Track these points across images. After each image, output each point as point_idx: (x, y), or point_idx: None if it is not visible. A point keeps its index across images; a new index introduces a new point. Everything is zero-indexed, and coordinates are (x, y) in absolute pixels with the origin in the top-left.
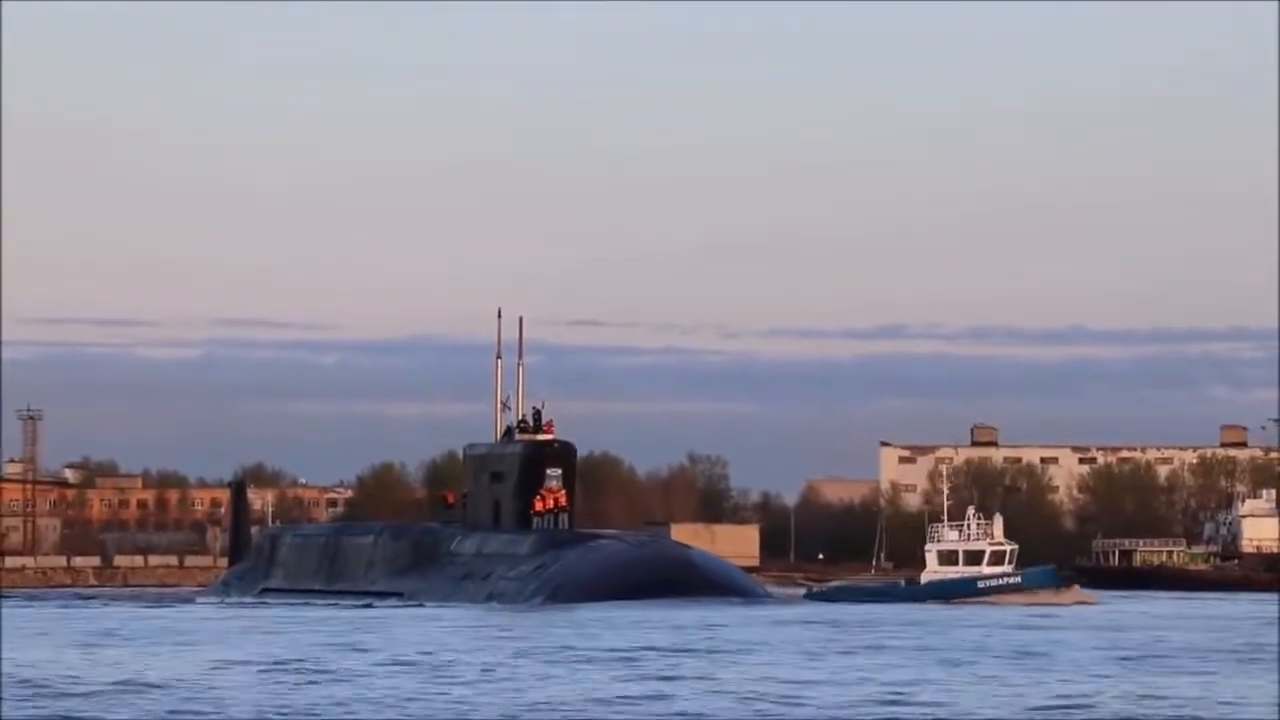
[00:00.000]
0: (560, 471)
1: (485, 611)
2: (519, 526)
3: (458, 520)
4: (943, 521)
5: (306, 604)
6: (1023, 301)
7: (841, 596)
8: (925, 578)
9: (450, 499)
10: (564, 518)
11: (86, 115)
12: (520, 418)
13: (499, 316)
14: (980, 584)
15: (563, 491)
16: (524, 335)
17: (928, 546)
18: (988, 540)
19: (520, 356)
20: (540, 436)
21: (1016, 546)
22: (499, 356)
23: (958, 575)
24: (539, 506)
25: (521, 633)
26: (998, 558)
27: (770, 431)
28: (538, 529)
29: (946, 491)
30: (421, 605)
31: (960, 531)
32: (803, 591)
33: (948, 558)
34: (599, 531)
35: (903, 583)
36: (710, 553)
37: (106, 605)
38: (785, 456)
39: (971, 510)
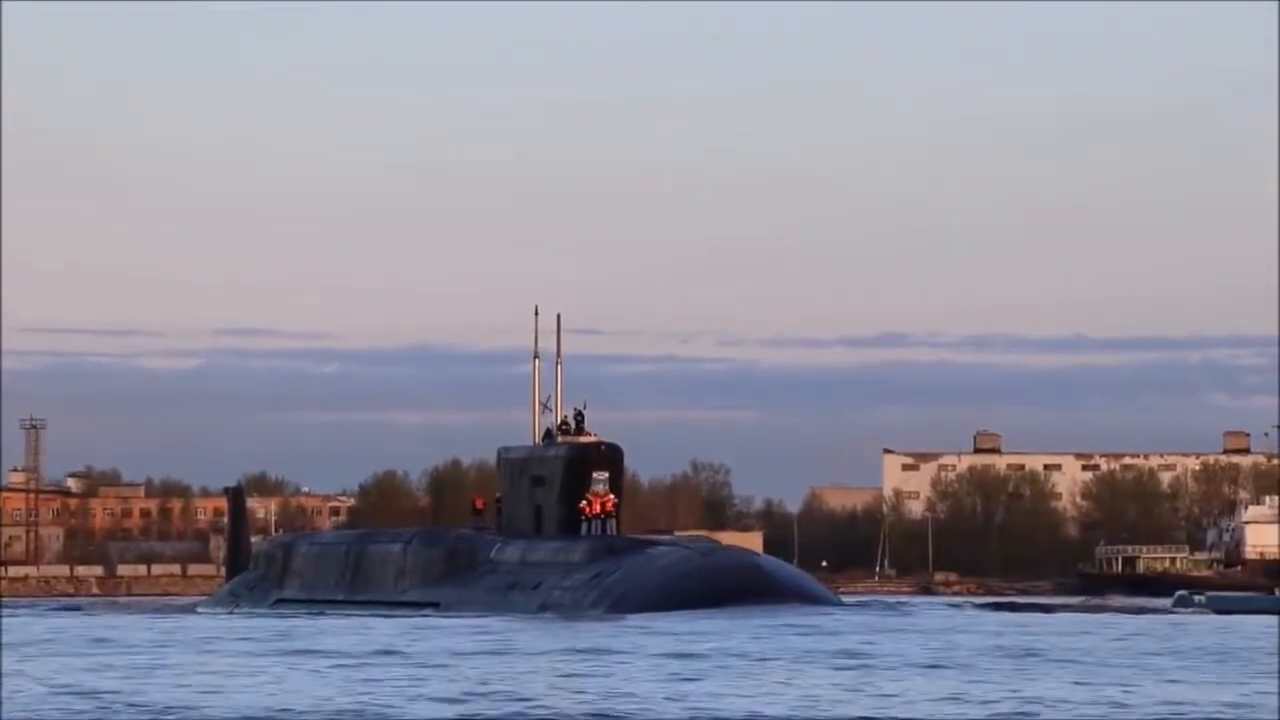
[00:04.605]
0: (607, 475)
1: (571, 622)
2: (564, 533)
3: (488, 527)
4: None
5: (371, 616)
6: (1022, 310)
7: (1214, 607)
8: None
9: (480, 504)
10: (611, 524)
11: (87, 125)
12: (561, 419)
13: (536, 314)
14: None
15: (610, 496)
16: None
17: None
18: None
19: (558, 357)
20: (584, 439)
21: None
22: (536, 356)
23: None
24: (590, 511)
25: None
26: None
27: (773, 439)
28: (588, 535)
29: None
30: (497, 616)
31: None
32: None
33: None
34: (655, 538)
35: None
36: (775, 558)
37: (230, 616)
38: (788, 464)
39: None
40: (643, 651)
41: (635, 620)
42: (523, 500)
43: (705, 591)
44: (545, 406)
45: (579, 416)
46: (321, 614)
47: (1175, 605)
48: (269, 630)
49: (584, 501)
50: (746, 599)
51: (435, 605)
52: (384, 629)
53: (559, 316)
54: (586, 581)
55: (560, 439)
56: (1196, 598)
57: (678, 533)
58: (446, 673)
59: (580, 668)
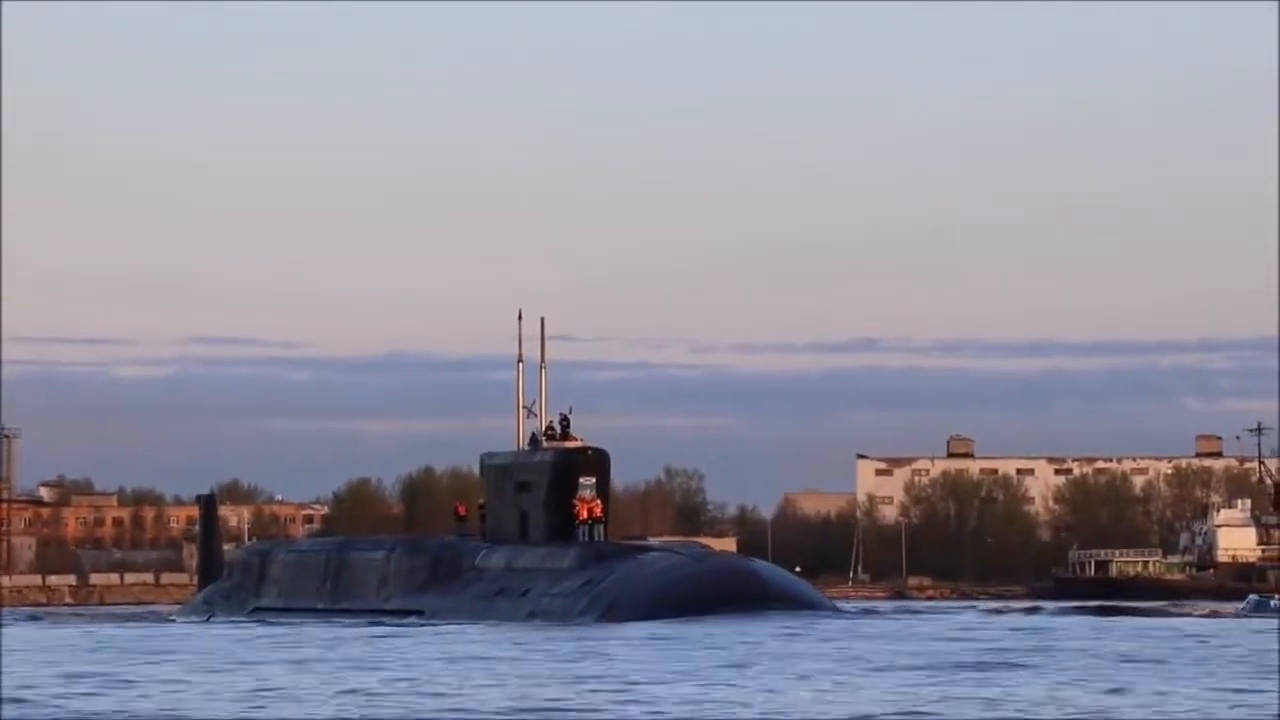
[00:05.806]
0: (594, 480)
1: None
2: (551, 539)
3: (472, 533)
4: None
5: (354, 624)
6: (990, 315)
7: None
8: None
9: (462, 511)
10: (599, 529)
11: (58, 133)
12: (546, 425)
13: (519, 319)
14: None
15: (597, 501)
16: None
17: None
18: None
19: (542, 361)
20: (570, 444)
21: None
22: (520, 360)
23: None
24: (581, 516)
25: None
26: None
27: (746, 445)
28: (577, 541)
29: None
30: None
31: None
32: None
33: None
34: (646, 544)
35: None
36: (769, 563)
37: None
38: (761, 469)
39: None
40: (641, 657)
41: (630, 627)
42: (508, 506)
43: (699, 598)
44: (529, 411)
45: (564, 421)
46: (303, 622)
47: (1253, 610)
48: (258, 639)
49: (573, 507)
50: (742, 605)
51: (420, 613)
52: (367, 636)
53: (543, 320)
54: (577, 588)
55: (546, 444)
56: (1272, 602)
57: (657, 538)
58: (440, 680)
59: (579, 672)
